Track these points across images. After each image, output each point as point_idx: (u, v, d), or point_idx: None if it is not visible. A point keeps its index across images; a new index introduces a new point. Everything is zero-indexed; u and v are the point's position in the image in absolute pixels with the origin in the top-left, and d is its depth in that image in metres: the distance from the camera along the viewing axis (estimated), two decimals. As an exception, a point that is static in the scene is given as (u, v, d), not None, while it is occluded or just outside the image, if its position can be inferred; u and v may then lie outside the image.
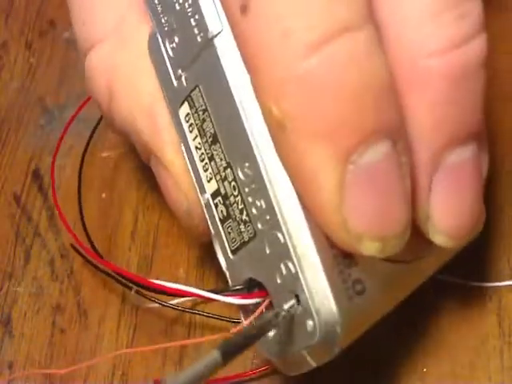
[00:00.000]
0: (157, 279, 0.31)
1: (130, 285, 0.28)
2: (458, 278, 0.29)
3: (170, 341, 0.30)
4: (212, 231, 0.26)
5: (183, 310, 0.29)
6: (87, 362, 0.29)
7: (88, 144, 0.34)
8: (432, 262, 0.25)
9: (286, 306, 0.23)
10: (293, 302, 0.23)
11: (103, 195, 0.33)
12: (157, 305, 0.29)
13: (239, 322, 0.26)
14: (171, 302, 0.29)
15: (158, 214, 0.32)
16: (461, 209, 0.23)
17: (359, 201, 0.22)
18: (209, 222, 0.26)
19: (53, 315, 0.31)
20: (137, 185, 0.33)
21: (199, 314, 0.30)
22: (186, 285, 0.30)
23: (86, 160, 0.34)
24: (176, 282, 0.30)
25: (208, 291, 0.25)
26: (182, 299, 0.29)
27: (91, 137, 0.34)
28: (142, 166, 0.33)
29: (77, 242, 0.31)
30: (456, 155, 0.23)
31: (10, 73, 0.37)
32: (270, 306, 0.24)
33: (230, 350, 0.22)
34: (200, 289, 0.25)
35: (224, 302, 0.25)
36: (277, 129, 0.22)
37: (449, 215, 0.23)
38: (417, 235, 0.24)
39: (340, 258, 0.23)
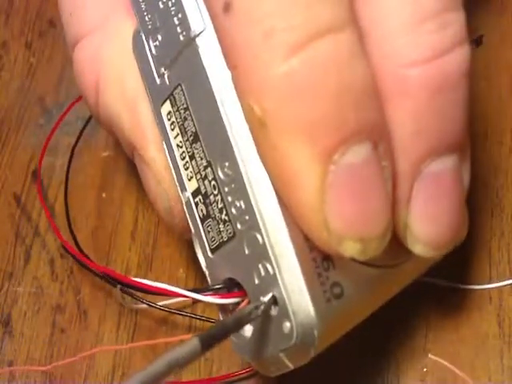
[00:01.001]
0: (156, 279, 0.31)
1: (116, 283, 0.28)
2: (455, 282, 0.29)
3: (171, 341, 0.30)
4: (192, 230, 0.25)
5: (169, 311, 0.29)
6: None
7: (78, 139, 0.34)
8: (412, 268, 0.25)
9: (265, 299, 0.23)
10: (271, 295, 0.23)
11: (103, 195, 0.33)
12: (144, 305, 0.29)
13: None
14: (159, 303, 0.29)
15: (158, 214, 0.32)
16: (440, 219, 0.23)
17: (340, 201, 0.21)
18: (189, 221, 0.26)
19: (53, 315, 0.31)
20: (137, 185, 0.33)
21: (185, 315, 0.30)
22: (186, 285, 0.31)
23: (86, 160, 0.34)
24: (176, 282, 0.31)
25: (188, 290, 0.25)
26: (171, 301, 0.29)
27: (81, 133, 0.34)
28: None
29: (65, 244, 0.31)
30: (436, 165, 0.23)
31: (10, 73, 0.37)
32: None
33: (210, 339, 0.22)
34: (181, 288, 0.25)
35: (209, 303, 0.25)
36: (258, 128, 0.22)
37: (427, 225, 0.23)
38: (396, 242, 0.23)
39: (318, 261, 0.23)
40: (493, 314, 0.28)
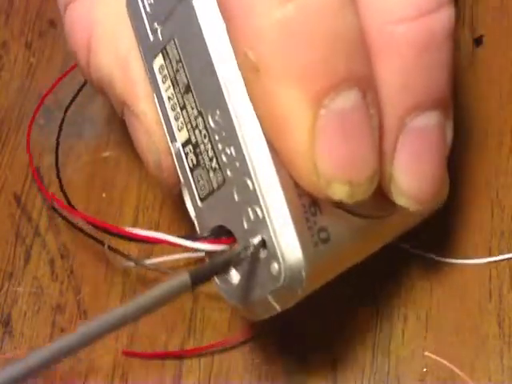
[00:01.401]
0: (156, 279, 0.31)
1: (103, 241, 0.29)
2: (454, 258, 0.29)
3: (171, 340, 0.30)
4: (181, 180, 0.26)
5: (156, 270, 0.30)
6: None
7: (61, 127, 0.34)
8: (397, 222, 0.26)
9: (255, 241, 0.24)
10: (260, 237, 0.24)
11: (103, 195, 0.33)
12: (132, 263, 0.30)
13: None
14: (148, 262, 0.30)
15: (158, 214, 0.32)
16: (423, 172, 0.24)
17: (329, 145, 0.22)
18: (178, 171, 0.26)
19: (53, 315, 0.31)
20: (137, 185, 0.33)
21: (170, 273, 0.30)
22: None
23: (86, 160, 0.34)
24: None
25: (177, 237, 0.25)
26: (158, 259, 0.30)
27: (63, 120, 0.34)
28: (142, 166, 0.33)
29: (56, 201, 0.31)
30: (421, 120, 0.24)
31: (10, 73, 0.37)
32: None
33: (200, 275, 0.23)
34: (170, 235, 0.25)
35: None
36: (251, 73, 0.23)
37: (411, 177, 0.24)
38: (382, 195, 0.25)
39: (307, 206, 0.24)
40: (493, 314, 0.28)
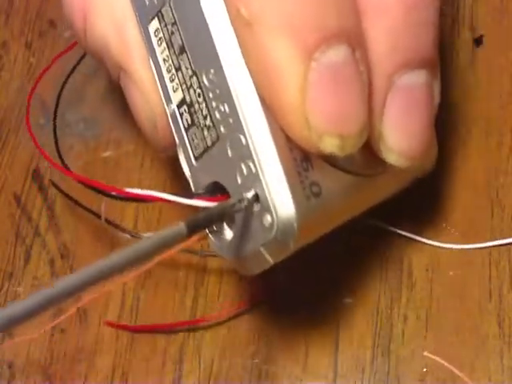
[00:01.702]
0: (156, 280, 0.31)
1: (100, 214, 0.29)
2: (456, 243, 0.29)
3: (171, 340, 0.30)
4: (177, 141, 0.27)
5: None
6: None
7: (58, 102, 0.34)
8: (388, 181, 0.27)
9: (248, 195, 0.24)
10: (253, 192, 0.24)
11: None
12: (127, 235, 0.30)
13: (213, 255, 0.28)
14: (144, 234, 0.30)
15: (158, 214, 0.32)
16: (411, 129, 0.25)
17: (320, 98, 0.23)
18: (174, 133, 0.27)
19: (53, 315, 0.31)
20: (137, 185, 0.33)
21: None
22: (186, 285, 0.31)
23: (86, 160, 0.34)
24: (175, 282, 0.31)
25: (172, 195, 0.26)
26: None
27: (61, 90, 0.34)
28: (142, 166, 0.33)
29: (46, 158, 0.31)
30: (409, 78, 0.25)
31: (9, 73, 0.37)
32: None
33: (195, 224, 0.23)
34: (165, 193, 0.26)
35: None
36: (243, 28, 0.24)
37: (399, 134, 0.25)
38: (372, 153, 0.25)
39: (298, 161, 0.24)
40: (493, 314, 0.28)
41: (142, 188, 0.33)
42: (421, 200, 0.30)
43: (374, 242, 0.30)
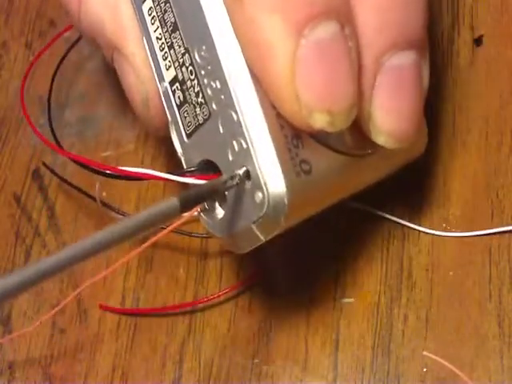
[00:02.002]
0: (156, 279, 0.31)
1: (95, 197, 0.30)
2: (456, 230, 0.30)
3: (171, 341, 0.30)
4: (169, 118, 0.27)
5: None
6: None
7: (49, 96, 0.34)
8: (379, 162, 0.27)
9: (240, 172, 0.25)
10: (245, 168, 0.25)
11: (104, 194, 0.33)
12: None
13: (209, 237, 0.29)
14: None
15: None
16: (400, 109, 0.25)
17: (309, 73, 0.23)
18: (166, 110, 0.27)
19: (53, 315, 0.31)
20: (137, 185, 0.33)
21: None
22: (186, 285, 0.31)
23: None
24: (176, 282, 0.31)
25: (165, 173, 0.26)
26: None
27: (52, 84, 0.35)
28: (142, 165, 0.33)
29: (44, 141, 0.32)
30: (398, 59, 0.25)
31: (9, 72, 0.37)
32: None
33: (188, 200, 0.24)
34: (158, 171, 0.26)
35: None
36: (234, 3, 0.24)
37: (388, 115, 0.25)
38: (361, 133, 0.26)
39: (289, 138, 0.25)
40: (493, 313, 0.28)
41: (140, 188, 0.33)
42: (421, 200, 0.30)
43: (374, 242, 0.30)
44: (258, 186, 0.24)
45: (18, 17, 0.38)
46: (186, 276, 0.31)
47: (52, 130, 0.33)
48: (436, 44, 0.33)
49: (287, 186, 0.24)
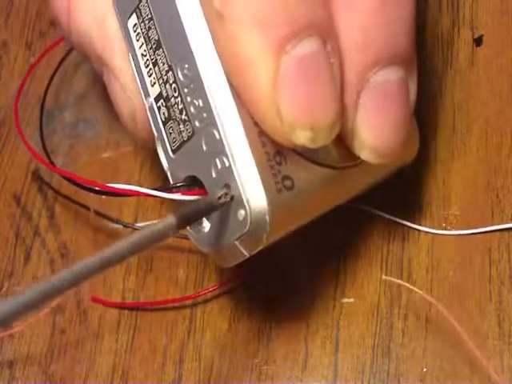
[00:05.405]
0: (156, 279, 0.31)
1: (89, 206, 0.31)
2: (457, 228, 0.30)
3: (171, 341, 0.30)
4: (155, 133, 0.27)
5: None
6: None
7: (47, 90, 0.35)
8: (363, 174, 0.27)
9: (232, 187, 0.25)
10: (239, 182, 0.25)
11: (103, 195, 0.33)
12: (120, 226, 0.31)
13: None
14: (138, 225, 0.31)
15: (158, 214, 0.32)
16: (384, 126, 0.25)
17: (291, 89, 0.23)
18: (152, 126, 0.27)
19: (53, 315, 0.31)
20: (137, 185, 0.33)
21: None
22: (186, 285, 0.31)
23: (86, 160, 0.34)
24: (176, 282, 0.31)
25: (150, 189, 0.26)
26: (148, 222, 0.31)
27: (48, 87, 0.35)
28: (142, 166, 0.33)
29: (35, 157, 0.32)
30: (382, 75, 0.24)
31: (9, 73, 0.37)
32: None
33: (185, 218, 0.24)
34: (144, 188, 0.26)
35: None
36: (216, 20, 0.24)
37: (372, 131, 0.25)
38: (345, 146, 0.25)
39: (271, 155, 0.25)
40: (493, 314, 0.28)
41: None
42: (421, 200, 0.30)
43: (374, 242, 0.30)
44: (240, 204, 0.25)
45: (18, 17, 0.38)
46: (186, 276, 0.31)
47: (43, 144, 0.33)
48: (436, 44, 0.33)
49: (268, 203, 0.24)
